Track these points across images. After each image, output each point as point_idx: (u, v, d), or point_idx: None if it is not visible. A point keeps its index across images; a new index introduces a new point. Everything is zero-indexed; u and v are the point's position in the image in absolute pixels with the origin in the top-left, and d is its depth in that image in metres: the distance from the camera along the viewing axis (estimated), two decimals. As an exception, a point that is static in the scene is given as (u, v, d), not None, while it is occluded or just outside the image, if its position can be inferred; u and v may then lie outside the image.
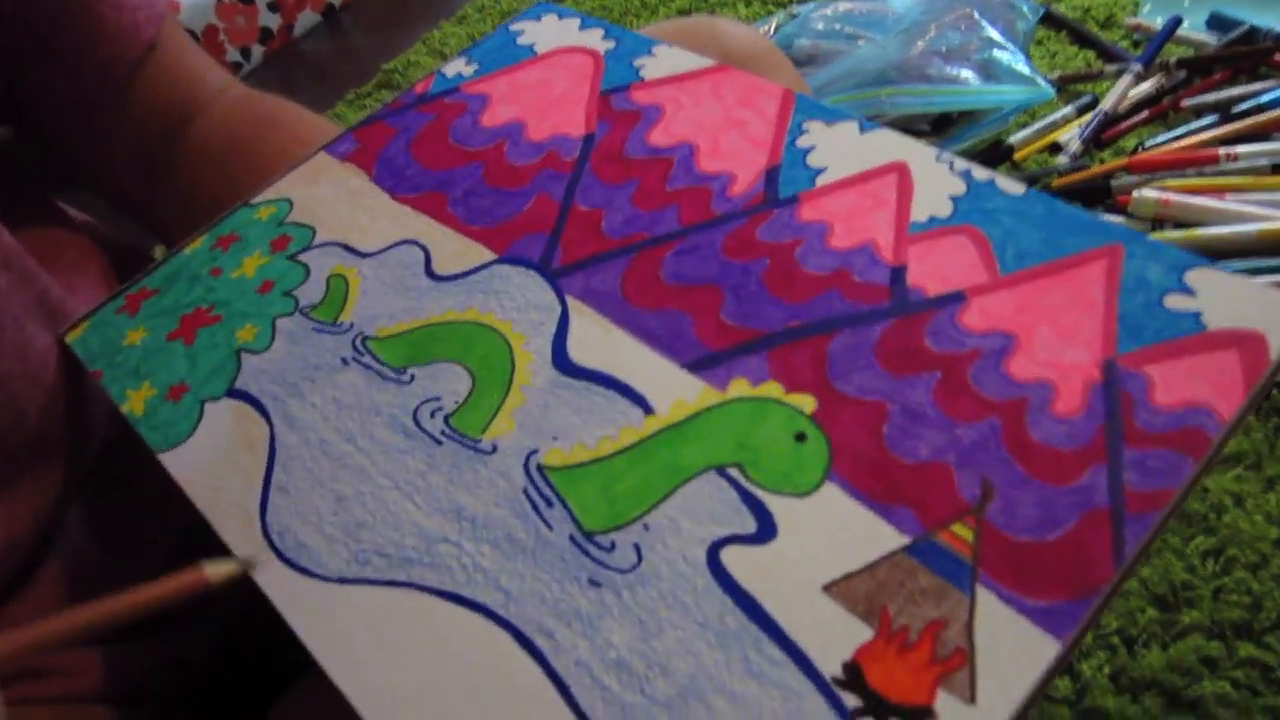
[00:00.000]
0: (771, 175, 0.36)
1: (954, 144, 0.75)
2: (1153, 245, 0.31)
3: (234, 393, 0.33)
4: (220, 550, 0.29)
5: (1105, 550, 0.24)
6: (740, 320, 0.31)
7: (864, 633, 0.24)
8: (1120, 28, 0.67)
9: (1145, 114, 0.65)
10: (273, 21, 1.24)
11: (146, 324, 0.37)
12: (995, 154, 0.73)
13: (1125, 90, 0.64)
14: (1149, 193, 0.59)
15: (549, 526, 0.27)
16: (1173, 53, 0.65)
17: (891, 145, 0.36)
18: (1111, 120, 0.67)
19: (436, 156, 0.41)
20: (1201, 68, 0.62)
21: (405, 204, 0.39)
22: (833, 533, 0.26)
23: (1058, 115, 0.69)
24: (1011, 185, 0.34)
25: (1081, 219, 0.32)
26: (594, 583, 0.26)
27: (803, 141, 0.37)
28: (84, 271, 0.41)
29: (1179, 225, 0.58)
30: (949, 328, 0.30)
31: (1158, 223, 0.59)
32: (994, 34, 0.67)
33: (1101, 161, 0.69)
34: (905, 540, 0.25)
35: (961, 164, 0.35)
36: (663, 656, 0.24)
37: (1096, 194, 0.65)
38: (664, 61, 0.42)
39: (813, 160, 0.36)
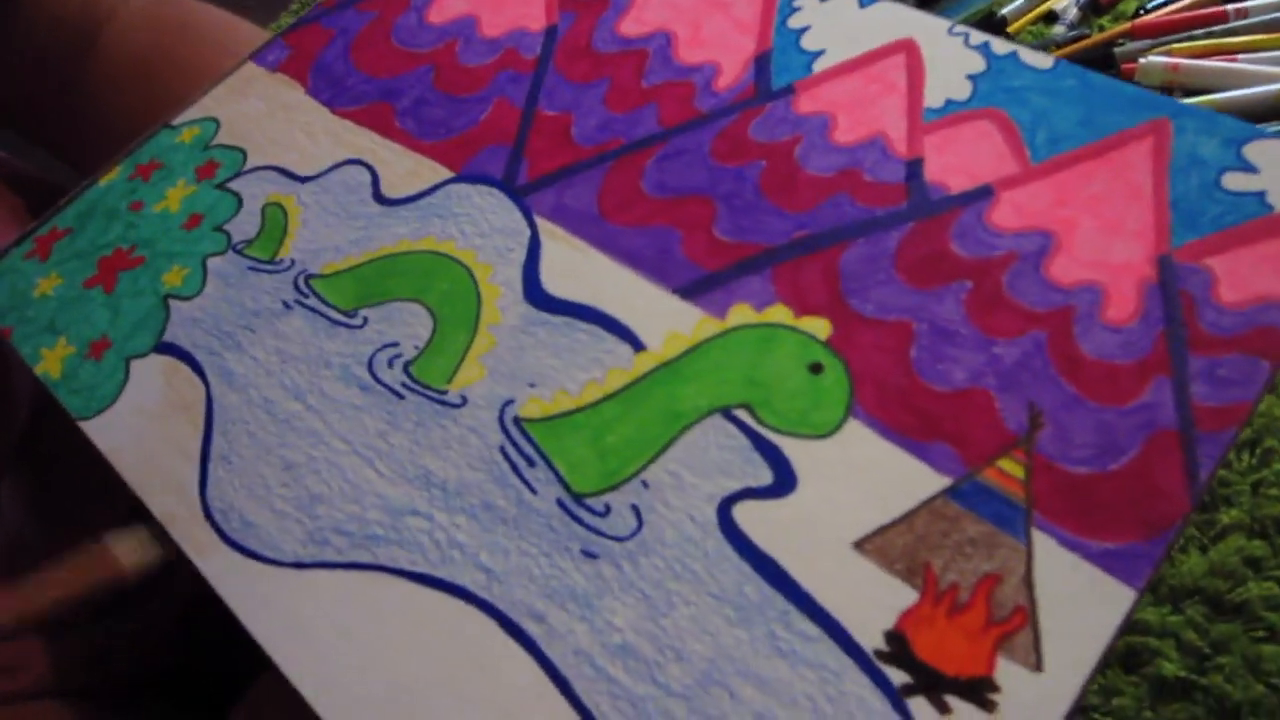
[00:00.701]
0: (762, 63, 0.31)
1: (942, 20, 0.70)
2: (1205, 116, 0.27)
3: (163, 347, 0.29)
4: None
5: (1177, 478, 0.21)
6: (737, 235, 0.27)
7: (907, 595, 0.21)
8: None
9: None
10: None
11: (59, 270, 0.32)
12: (987, 28, 0.68)
13: None
14: (1156, 59, 0.55)
15: (532, 490, 0.23)
16: None
17: (897, 20, 0.31)
18: None
19: (379, 61, 0.36)
20: None
21: (347, 118, 0.34)
22: (861, 478, 0.22)
23: None
24: (1038, 58, 0.29)
25: (1121, 92, 0.28)
26: (589, 554, 0.22)
27: (795, 21, 0.32)
28: None
29: (1189, 93, 0.54)
30: (977, 229, 0.26)
31: (1166, 90, 0.55)
32: None
33: (1101, 29, 0.64)
34: (946, 482, 0.22)
35: (979, 36, 0.30)
36: (675, 638, 0.21)
37: (1099, 64, 0.60)
38: (629, -62, 0.37)
39: (808, 43, 0.32)
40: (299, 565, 0.23)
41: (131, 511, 0.37)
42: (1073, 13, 0.64)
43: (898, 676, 0.20)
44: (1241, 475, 0.28)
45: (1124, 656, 0.27)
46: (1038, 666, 0.19)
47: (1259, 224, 0.25)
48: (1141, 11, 0.61)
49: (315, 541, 0.24)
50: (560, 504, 0.23)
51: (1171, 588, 0.26)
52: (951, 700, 0.19)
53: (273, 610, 0.23)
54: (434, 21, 0.37)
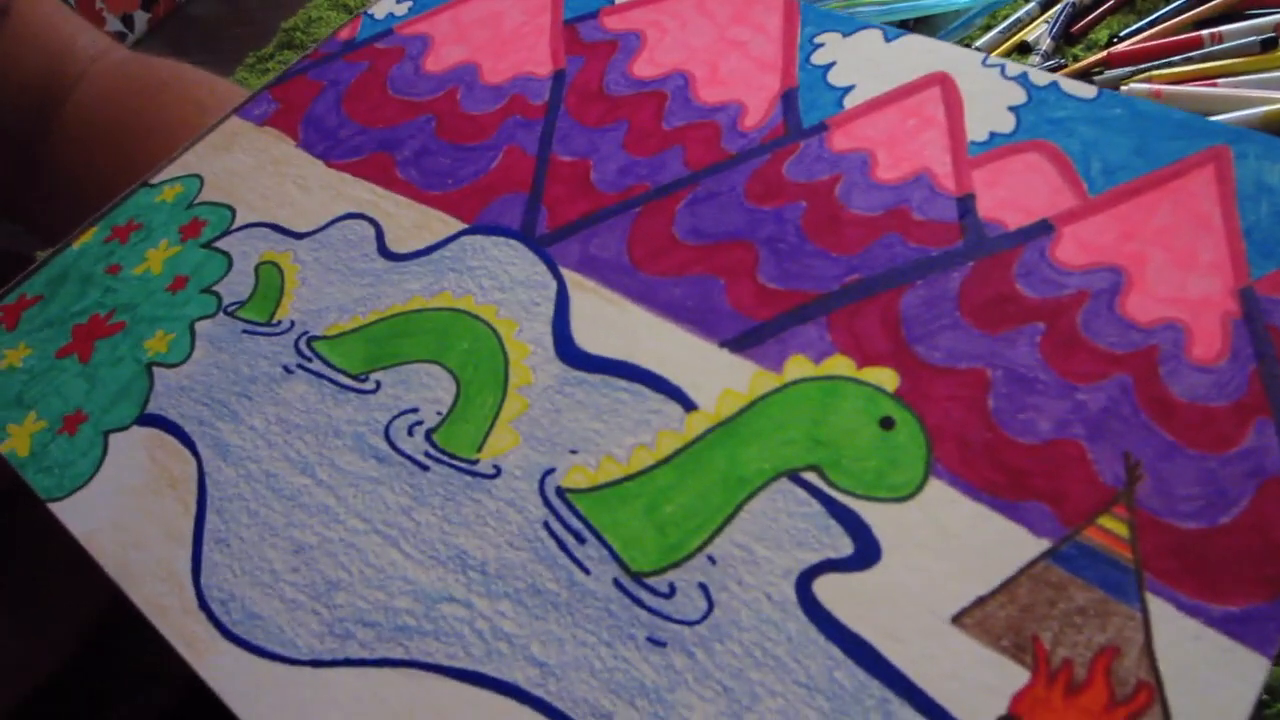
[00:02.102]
0: (789, 100, 0.30)
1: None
2: (1264, 140, 0.26)
3: (146, 418, 0.26)
4: (151, 631, 0.23)
5: (1300, 533, 0.19)
6: (784, 281, 0.26)
7: (1017, 674, 0.19)
8: None
9: (1112, 2, 0.62)
10: (159, -14, 1.13)
11: (28, 340, 0.30)
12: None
13: None
14: (1139, 86, 0.56)
15: (585, 570, 0.21)
16: None
17: (927, 53, 0.30)
18: (1079, 13, 0.63)
19: (375, 111, 0.34)
20: None
21: (343, 170, 0.32)
22: (951, 545, 0.20)
23: (1022, 13, 0.66)
24: (1080, 88, 0.28)
25: (1172, 118, 0.27)
26: (656, 642, 0.20)
27: (819, 58, 0.31)
28: None
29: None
30: (1042, 266, 0.25)
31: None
32: None
33: (1075, 58, 0.65)
34: (1045, 544, 0.20)
35: (1016, 68, 0.29)
36: (762, 734, 0.18)
37: (1080, 94, 0.61)
38: (633, -23, 0.36)
39: (835, 78, 0.30)
40: (316, 663, 0.21)
41: (99, 624, 0.34)
42: (1046, 43, 0.65)
43: (1020, 770, 0.18)
44: None
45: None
46: (1176, 751, 0.17)
47: (1341, 252, 0.23)
48: (1115, 40, 0.61)
49: (335, 635, 0.21)
50: (618, 584, 0.21)
51: None
52: (1084, 795, 0.17)
53: (287, 718, 0.20)
54: (432, 70, 0.35)
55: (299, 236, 0.31)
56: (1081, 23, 0.63)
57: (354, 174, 0.32)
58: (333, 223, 0.31)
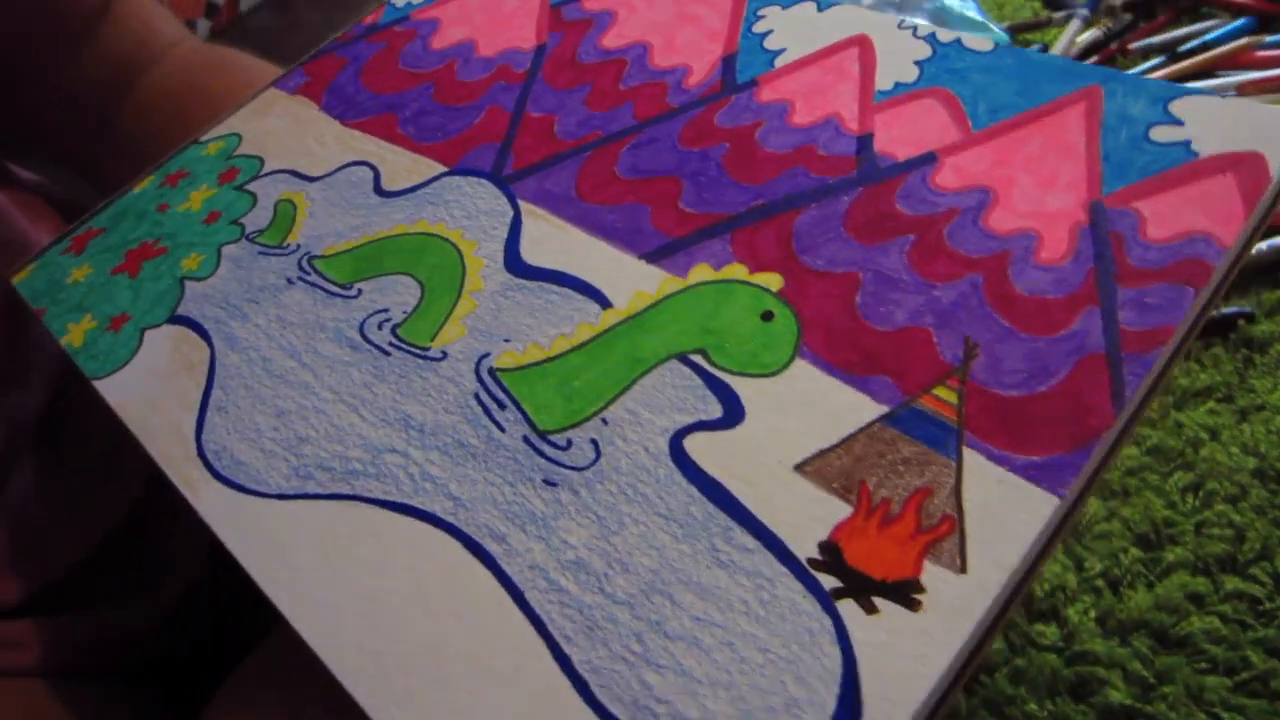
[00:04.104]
0: (729, 63, 0.32)
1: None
2: (1133, 81, 0.27)
3: (175, 319, 0.30)
4: (174, 511, 0.26)
5: (1103, 395, 0.21)
6: (700, 206, 0.28)
7: (842, 510, 0.20)
8: None
9: (1095, 59, 0.61)
10: (217, -5, 1.18)
11: (91, 261, 0.33)
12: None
13: (1074, 36, 0.60)
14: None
15: (501, 429, 0.24)
16: None
17: (852, 20, 0.32)
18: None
19: (386, 81, 0.37)
20: (1146, 9, 0.57)
21: (355, 128, 0.35)
22: (805, 410, 0.22)
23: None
24: (979, 43, 0.30)
25: (1056, 65, 0.28)
26: (549, 482, 0.22)
27: (759, 27, 0.33)
28: (36, 227, 0.38)
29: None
30: (922, 189, 0.26)
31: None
32: None
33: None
34: (884, 409, 0.22)
35: (926, 28, 0.31)
36: (623, 553, 0.21)
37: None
38: (614, -34, 0.38)
39: (770, 43, 0.32)
40: (283, 496, 0.24)
41: (130, 516, 0.38)
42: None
43: (829, 582, 0.19)
44: (1185, 516, 0.27)
45: (1073, 685, 0.27)
46: (962, 569, 0.19)
47: (1185, 169, 0.25)
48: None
49: (299, 476, 0.24)
50: (526, 440, 0.23)
51: (1120, 621, 0.25)
52: (879, 602, 0.19)
53: (257, 536, 0.23)
54: (436, 46, 0.38)
55: (312, 180, 0.34)
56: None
57: (363, 131, 0.35)
58: (340, 169, 0.34)
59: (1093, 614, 0.25)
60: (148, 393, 0.28)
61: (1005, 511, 0.20)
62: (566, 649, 0.20)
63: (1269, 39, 0.43)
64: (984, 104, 0.28)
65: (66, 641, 0.36)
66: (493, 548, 0.22)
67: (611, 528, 0.21)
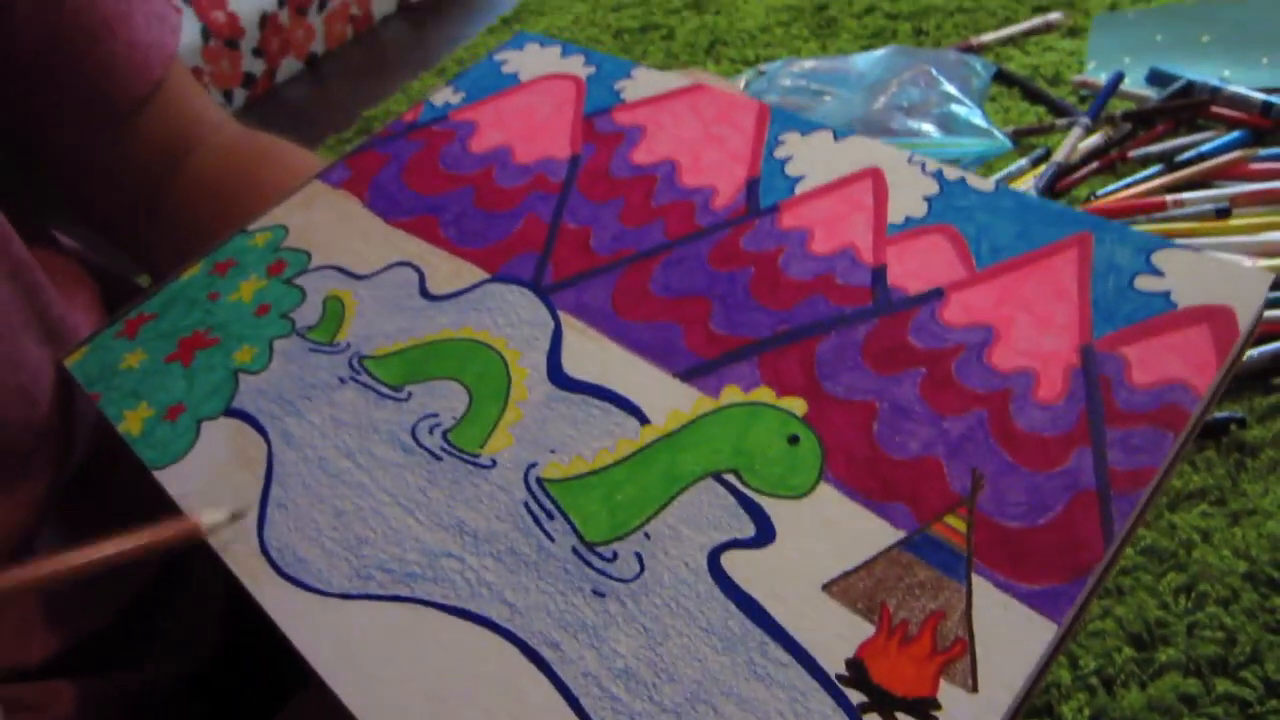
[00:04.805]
0: (752, 186, 0.35)
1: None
2: (1119, 230, 0.30)
3: (231, 412, 0.32)
4: (204, 578, 0.28)
5: (1095, 530, 0.24)
6: (729, 329, 0.31)
7: (865, 629, 0.23)
8: (1067, 84, 0.67)
9: (1095, 165, 0.65)
10: (256, 67, 1.22)
11: (145, 347, 0.36)
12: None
13: (1075, 142, 0.64)
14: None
15: (551, 539, 0.26)
16: (1117, 107, 0.65)
17: (866, 151, 0.35)
18: (1065, 171, 0.66)
19: (427, 182, 0.40)
20: (1145, 120, 0.61)
21: (399, 228, 0.38)
22: (830, 532, 0.25)
23: (1014, 167, 0.68)
24: (982, 183, 0.33)
25: (1051, 210, 0.32)
26: (598, 593, 0.25)
27: (780, 152, 0.36)
28: (77, 295, 0.40)
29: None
30: (931, 324, 0.29)
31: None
32: (951, 89, 0.67)
33: None
34: (901, 535, 0.25)
35: (934, 165, 0.34)
36: (669, 663, 0.23)
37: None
38: (643, 83, 0.41)
39: (791, 170, 0.36)
40: (345, 596, 0.26)
41: (155, 579, 0.39)
42: (1033, 195, 0.68)
43: (856, 697, 0.22)
44: (1178, 617, 0.29)
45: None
46: (974, 688, 0.22)
47: (1165, 319, 0.28)
48: (1093, 197, 0.64)
49: (360, 576, 0.26)
50: (575, 551, 0.26)
51: None
52: (901, 716, 0.21)
53: (321, 634, 0.25)
54: (475, 150, 0.41)
55: (359, 278, 0.36)
56: (1065, 180, 0.65)
57: (406, 230, 0.38)
58: (386, 268, 0.36)
59: (1086, 712, 0.28)
60: (208, 486, 0.30)
61: (1010, 635, 0.22)
62: (618, 753, 0.22)
63: (1262, 152, 0.46)
64: (987, 243, 0.31)
65: (86, 705, 0.37)
66: (548, 654, 0.24)
67: (657, 639, 0.24)
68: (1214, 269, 0.29)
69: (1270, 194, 0.43)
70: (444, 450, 0.29)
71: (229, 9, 1.19)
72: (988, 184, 0.33)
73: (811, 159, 0.36)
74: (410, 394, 0.31)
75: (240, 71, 1.21)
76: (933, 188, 0.33)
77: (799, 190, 0.35)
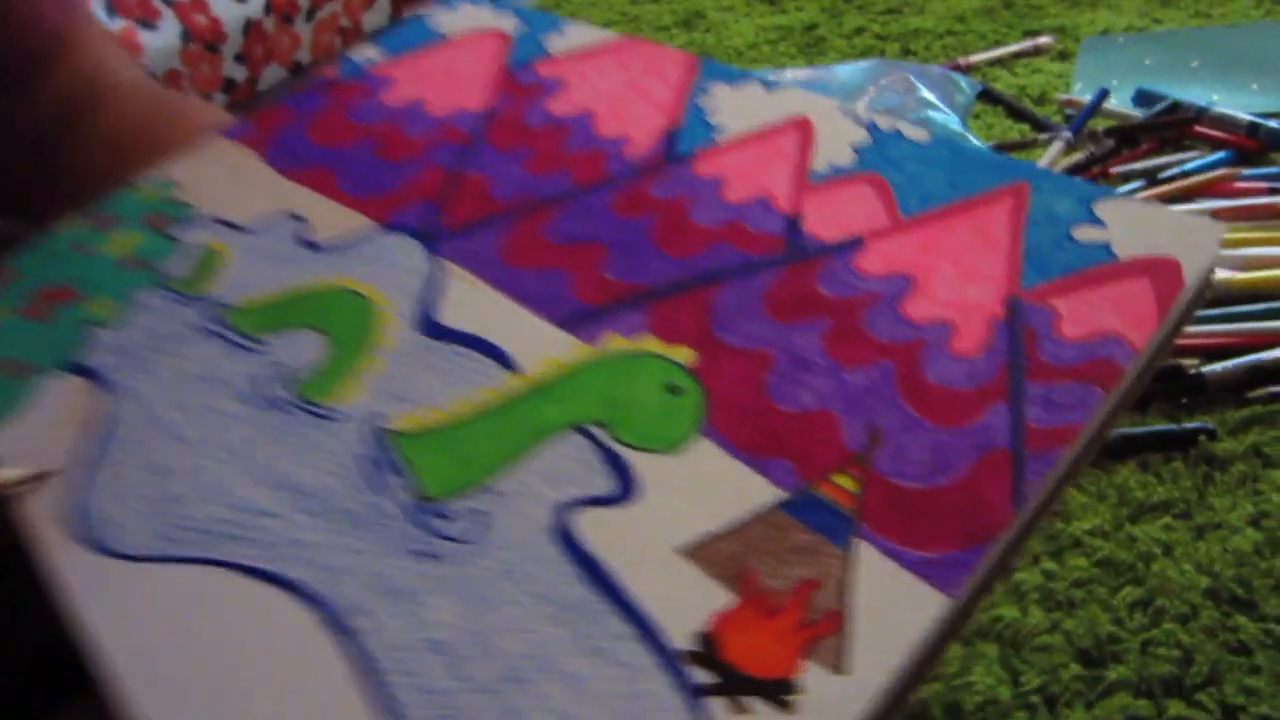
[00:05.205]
0: (671, 136, 0.32)
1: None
2: (1060, 180, 0.27)
3: (76, 367, 0.29)
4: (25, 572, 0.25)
5: (1003, 492, 0.20)
6: (623, 275, 0.28)
7: (726, 599, 0.20)
8: (1053, 104, 0.65)
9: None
10: (238, 73, 1.21)
11: (3, 303, 0.33)
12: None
13: (1056, 156, 0.61)
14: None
15: (385, 494, 0.23)
16: (1102, 125, 0.63)
17: (796, 102, 0.33)
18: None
19: (331, 134, 0.37)
20: (1128, 137, 0.59)
21: (292, 179, 0.35)
22: (701, 490, 0.22)
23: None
24: (918, 133, 0.30)
25: (989, 160, 0.29)
26: (427, 555, 0.21)
27: (704, 102, 0.34)
28: None
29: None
30: (844, 272, 0.26)
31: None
32: (930, 96, 0.65)
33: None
34: (781, 495, 0.21)
35: (868, 116, 0.31)
36: (493, 635, 0.20)
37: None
38: (573, 37, 0.39)
39: (714, 119, 0.33)
40: (147, 559, 0.23)
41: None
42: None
43: (701, 676, 0.19)
44: (1132, 633, 0.27)
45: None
46: (841, 669, 0.18)
47: (1103, 270, 0.25)
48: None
49: (167, 538, 0.23)
50: (410, 508, 0.23)
51: None
52: (751, 701, 0.18)
53: (111, 600, 0.22)
54: (387, 103, 0.39)
55: (240, 230, 0.34)
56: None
57: (300, 182, 0.35)
58: (270, 220, 0.34)
59: None
60: (35, 444, 0.27)
61: (893, 609, 0.19)
62: (418, 735, 0.19)
63: (1247, 171, 0.43)
64: (915, 192, 0.28)
65: None
66: (356, 623, 0.21)
67: (485, 607, 0.20)
68: (1161, 220, 0.26)
69: (1254, 209, 0.41)
70: (289, 403, 0.26)
71: (212, 13, 1.18)
72: (924, 134, 0.30)
73: (737, 109, 0.33)
74: (268, 345, 0.28)
75: (220, 76, 1.19)
76: (863, 137, 0.30)
77: (720, 140, 0.32)
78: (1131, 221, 0.25)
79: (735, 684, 0.18)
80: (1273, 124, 0.43)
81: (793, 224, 0.28)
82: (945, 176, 0.28)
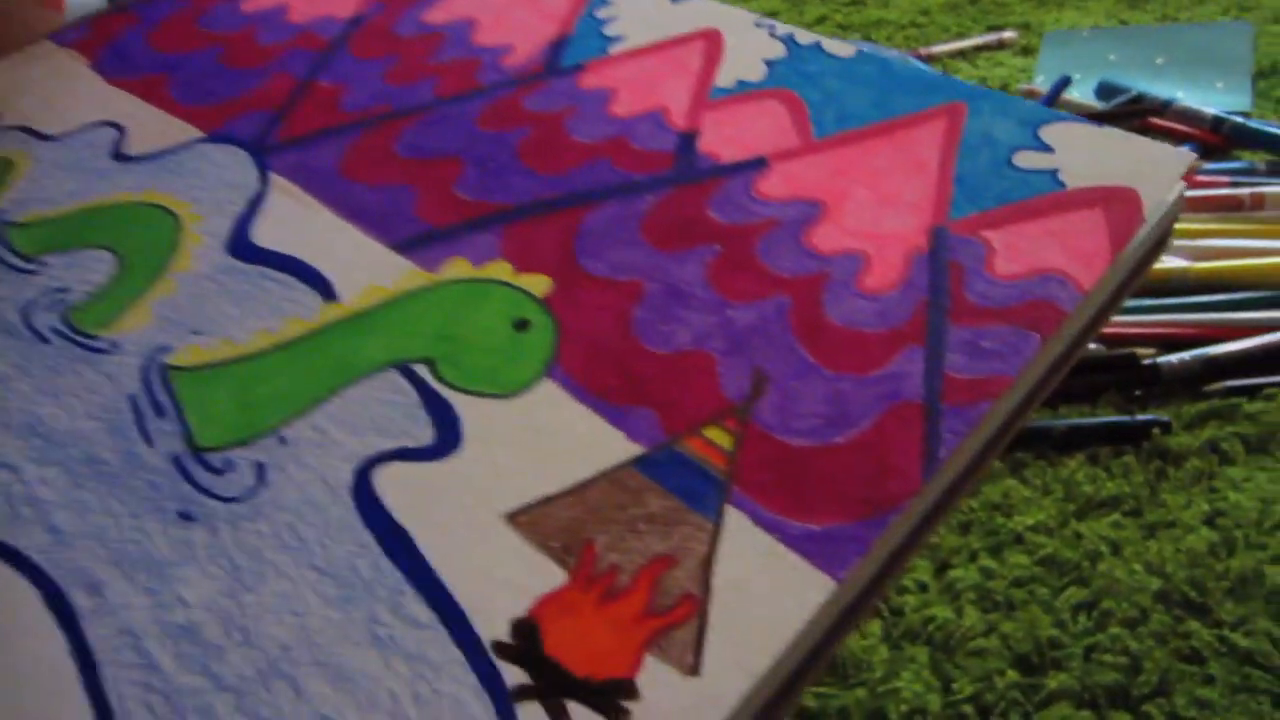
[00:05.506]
0: (558, 46, 0.28)
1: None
2: (1004, 99, 0.24)
3: None
4: None
5: (912, 454, 0.16)
6: (478, 194, 0.23)
7: (555, 577, 0.15)
8: (1015, 95, 0.63)
9: None
10: None
11: None
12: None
13: None
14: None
15: (149, 442, 0.18)
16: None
17: (707, 13, 0.28)
18: None
19: (174, 41, 0.32)
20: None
21: (119, 87, 0.30)
22: (538, 443, 0.17)
23: None
24: (840, 47, 0.26)
25: (921, 76, 0.25)
26: (186, 516, 0.17)
27: (602, 12, 0.29)
28: None
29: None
30: (740, 196, 0.22)
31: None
32: None
33: None
34: (637, 450, 0.17)
35: (785, 29, 0.27)
36: (252, 618, 0.15)
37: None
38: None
39: (610, 30, 0.28)
40: None
41: None
42: None
43: (513, 675, 0.14)
44: (1075, 638, 0.24)
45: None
46: (694, 669, 0.14)
47: (1048, 199, 0.21)
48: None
49: None
50: (175, 459, 0.18)
51: None
52: (574, 708, 0.14)
53: None
54: (246, 10, 0.34)
55: (47, 138, 0.29)
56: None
57: (126, 90, 0.30)
58: (83, 129, 0.29)
59: None
60: None
61: (765, 595, 0.15)
62: (132, 750, 0.14)
63: (1209, 165, 0.41)
64: (832, 111, 0.24)
65: None
66: (80, 601, 0.16)
67: (248, 582, 0.16)
68: (1117, 146, 0.22)
69: (1214, 200, 0.39)
70: (56, 331, 0.21)
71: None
72: (848, 49, 0.26)
73: (638, 19, 0.29)
74: (45, 265, 0.23)
75: None
76: (778, 51, 0.26)
77: (614, 51, 0.27)
78: (1083, 147, 0.22)
79: (557, 685, 0.14)
80: (1238, 119, 0.41)
81: (686, 142, 0.24)
82: (870, 95, 0.24)
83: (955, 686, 0.23)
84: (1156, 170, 0.21)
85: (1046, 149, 0.22)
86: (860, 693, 0.22)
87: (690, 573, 0.15)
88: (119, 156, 0.27)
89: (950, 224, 0.21)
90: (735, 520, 0.16)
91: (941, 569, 0.25)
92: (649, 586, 0.15)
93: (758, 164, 0.23)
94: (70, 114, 0.30)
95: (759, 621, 0.15)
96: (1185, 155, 0.22)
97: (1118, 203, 0.21)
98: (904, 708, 0.22)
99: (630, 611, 0.15)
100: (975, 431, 0.17)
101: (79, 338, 0.21)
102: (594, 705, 0.14)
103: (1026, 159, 0.22)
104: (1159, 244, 0.22)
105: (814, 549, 0.15)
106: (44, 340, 0.21)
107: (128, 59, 0.32)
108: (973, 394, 0.17)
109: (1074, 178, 0.21)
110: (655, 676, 0.14)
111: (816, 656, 0.15)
